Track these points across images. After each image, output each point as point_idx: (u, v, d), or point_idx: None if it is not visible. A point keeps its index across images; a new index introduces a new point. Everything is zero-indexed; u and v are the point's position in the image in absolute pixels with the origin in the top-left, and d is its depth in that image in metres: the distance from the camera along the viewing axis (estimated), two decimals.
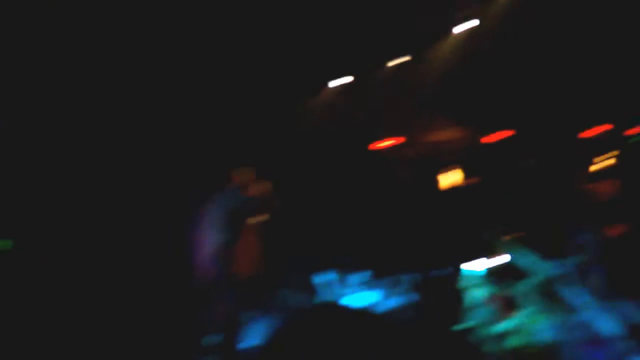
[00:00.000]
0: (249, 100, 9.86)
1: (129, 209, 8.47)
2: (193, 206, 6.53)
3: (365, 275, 8.11)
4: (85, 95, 8.53)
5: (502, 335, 5.17)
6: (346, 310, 4.60)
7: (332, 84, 11.09)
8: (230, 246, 6.20)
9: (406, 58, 10.93)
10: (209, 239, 6.24)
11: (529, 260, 5.50)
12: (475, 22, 10.38)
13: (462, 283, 5.94)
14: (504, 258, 6.50)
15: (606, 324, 4.15)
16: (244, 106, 9.80)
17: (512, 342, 5.00)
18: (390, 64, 11.07)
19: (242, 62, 9.37)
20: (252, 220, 6.49)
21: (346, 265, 8.13)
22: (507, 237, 5.89)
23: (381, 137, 12.21)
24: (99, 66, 8.34)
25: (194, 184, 7.12)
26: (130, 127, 8.89)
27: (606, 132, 13.09)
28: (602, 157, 13.03)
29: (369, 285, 8.03)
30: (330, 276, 7.80)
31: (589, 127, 13.01)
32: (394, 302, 7.29)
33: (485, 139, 12.77)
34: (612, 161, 12.96)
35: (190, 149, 9.11)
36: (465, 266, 6.02)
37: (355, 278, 7.72)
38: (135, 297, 7.60)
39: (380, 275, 7.89)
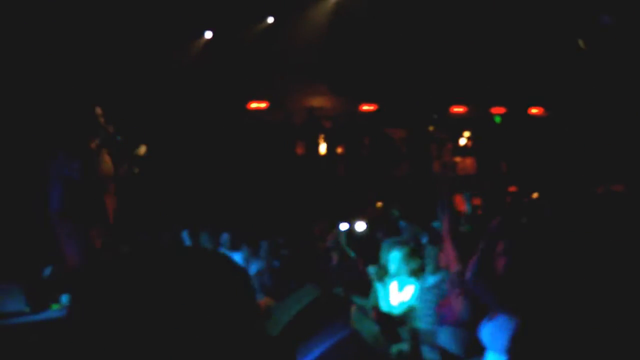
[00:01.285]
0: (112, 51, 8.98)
1: None
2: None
3: (224, 237, 7.75)
4: None
5: (370, 297, 5.05)
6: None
7: (200, 38, 10.42)
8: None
9: (271, 20, 10.50)
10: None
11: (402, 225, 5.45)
12: None
13: (333, 244, 5.74)
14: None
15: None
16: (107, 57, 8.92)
17: (380, 304, 4.89)
18: (257, 24, 10.61)
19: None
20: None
21: (203, 226, 7.73)
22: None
23: (252, 99, 11.78)
24: None
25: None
26: None
27: (472, 110, 13.58)
28: (467, 133, 13.57)
29: (227, 248, 7.68)
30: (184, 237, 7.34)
31: (455, 103, 13.42)
32: (254, 267, 6.99)
33: (358, 109, 12.76)
34: (474, 138, 13.54)
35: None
36: (342, 226, 5.82)
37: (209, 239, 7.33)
38: None
39: (241, 238, 7.55)
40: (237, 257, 7.36)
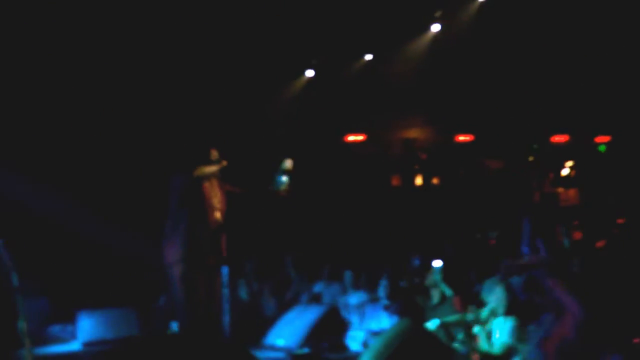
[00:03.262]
0: (217, 89, 9.62)
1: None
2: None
3: (325, 269, 7.94)
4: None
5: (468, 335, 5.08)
6: None
7: (303, 75, 10.88)
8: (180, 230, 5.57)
9: (369, 57, 10.78)
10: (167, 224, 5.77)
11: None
12: (438, 27, 10.30)
13: (430, 280, 5.81)
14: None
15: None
16: (212, 95, 9.57)
17: (479, 345, 4.90)
18: (355, 62, 10.93)
19: (214, 53, 9.16)
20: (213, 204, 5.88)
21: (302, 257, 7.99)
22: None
23: (349, 132, 12.09)
24: None
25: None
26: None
27: (574, 138, 13.20)
28: (569, 163, 13.18)
29: (326, 278, 7.87)
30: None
31: (557, 132, 13.10)
32: (354, 298, 7.13)
33: (453, 140, 12.76)
34: (576, 167, 13.12)
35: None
36: (435, 263, 5.89)
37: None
38: None
39: (339, 269, 7.73)
40: (336, 287, 7.55)
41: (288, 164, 5.56)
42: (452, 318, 5.40)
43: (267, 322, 7.05)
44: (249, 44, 9.17)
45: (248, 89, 9.86)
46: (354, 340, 6.36)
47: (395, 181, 12.48)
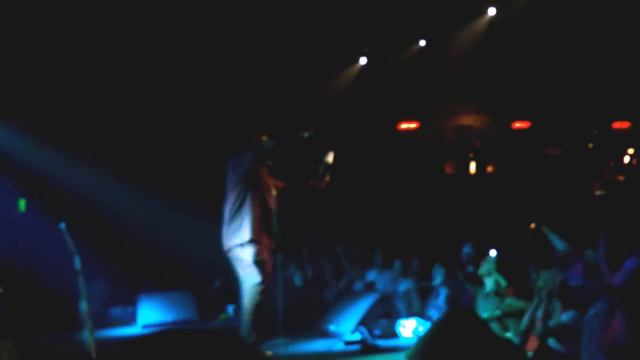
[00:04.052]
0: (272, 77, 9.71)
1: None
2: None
3: (377, 255, 7.94)
4: None
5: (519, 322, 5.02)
6: None
7: (356, 63, 10.86)
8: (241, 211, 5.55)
9: (422, 43, 10.64)
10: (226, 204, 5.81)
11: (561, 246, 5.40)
12: (493, 10, 10.04)
13: (484, 269, 5.76)
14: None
15: None
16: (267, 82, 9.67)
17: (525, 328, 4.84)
18: (409, 48, 10.79)
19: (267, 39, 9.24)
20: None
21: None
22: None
23: (402, 120, 12.01)
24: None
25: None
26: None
27: (636, 124, 12.73)
28: (630, 150, 12.74)
29: (378, 265, 7.87)
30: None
31: (618, 118, 12.66)
32: (402, 285, 7.13)
33: (509, 127, 12.50)
34: (638, 155, 12.66)
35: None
36: (491, 252, 5.83)
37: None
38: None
39: (391, 256, 7.72)
40: (389, 275, 7.56)
41: (330, 157, 5.74)
42: (517, 305, 5.34)
43: (321, 308, 7.13)
44: (302, 33, 9.19)
45: (302, 78, 9.92)
46: (404, 327, 6.37)
47: (448, 169, 12.36)
